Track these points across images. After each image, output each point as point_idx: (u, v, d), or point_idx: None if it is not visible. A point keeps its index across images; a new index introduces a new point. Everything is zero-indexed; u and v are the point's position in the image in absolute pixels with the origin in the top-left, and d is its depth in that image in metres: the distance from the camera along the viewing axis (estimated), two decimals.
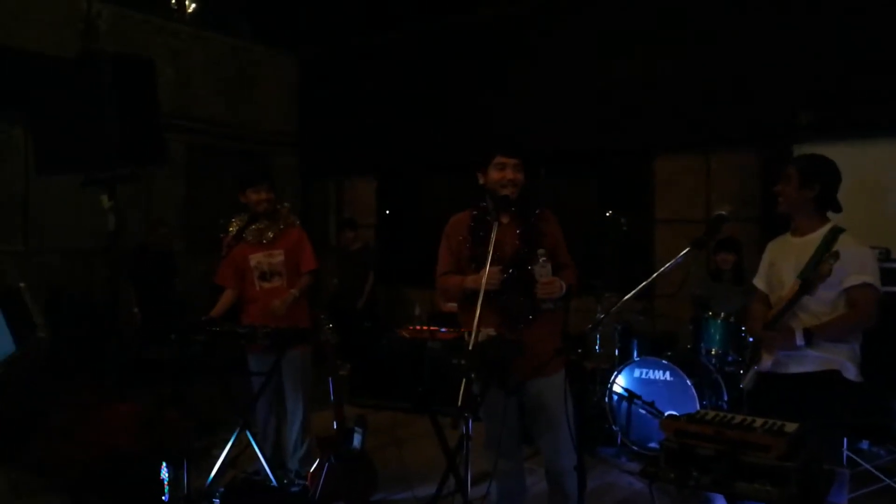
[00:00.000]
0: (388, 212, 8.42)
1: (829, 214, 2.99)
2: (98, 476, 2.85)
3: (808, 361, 2.87)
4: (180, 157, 7.27)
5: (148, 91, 4.67)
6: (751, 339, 3.26)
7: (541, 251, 2.91)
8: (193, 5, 7.67)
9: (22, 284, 1.92)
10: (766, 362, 2.93)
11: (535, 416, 3.09)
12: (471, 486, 3.08)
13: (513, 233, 3.05)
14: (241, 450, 4.02)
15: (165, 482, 3.55)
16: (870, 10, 5.16)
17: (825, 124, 5.37)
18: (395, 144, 7.86)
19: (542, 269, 2.89)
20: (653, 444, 4.62)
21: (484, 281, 2.82)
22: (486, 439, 3.13)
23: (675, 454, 2.38)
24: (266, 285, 4.12)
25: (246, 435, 3.88)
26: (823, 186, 2.91)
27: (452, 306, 6.02)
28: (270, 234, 4.09)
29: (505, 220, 3.04)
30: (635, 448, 4.73)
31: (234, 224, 4.17)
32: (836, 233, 2.90)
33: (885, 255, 4.18)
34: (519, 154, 3.07)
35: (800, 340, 2.83)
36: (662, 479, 2.41)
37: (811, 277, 2.80)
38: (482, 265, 2.89)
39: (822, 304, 2.86)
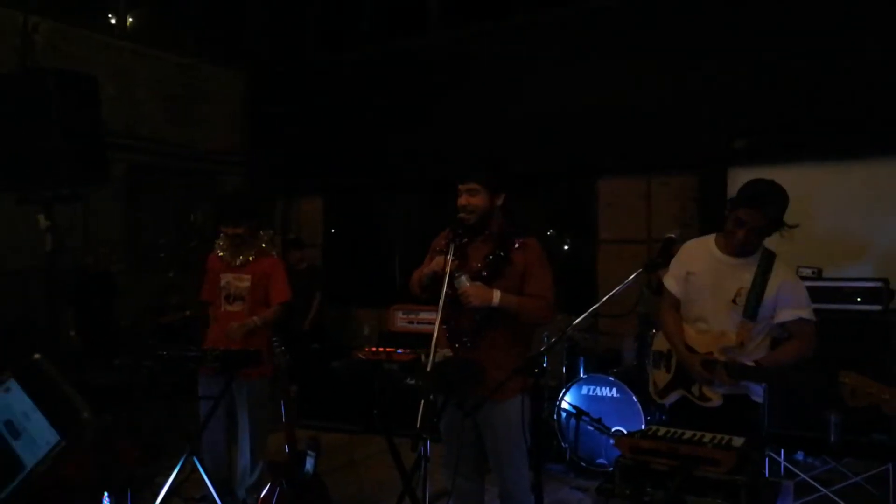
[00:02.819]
0: (334, 231, 8.37)
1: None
2: None
3: (720, 386, 2.86)
4: (122, 176, 7.08)
5: (90, 108, 4.55)
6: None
7: (464, 273, 2.92)
8: (131, 20, 7.51)
9: (37, 356, 1.80)
10: (716, 403, 2.87)
11: (486, 438, 3.09)
12: None
13: (480, 254, 3.08)
14: (186, 477, 3.91)
15: None
16: (802, 42, 5.47)
17: (759, 149, 5.64)
18: (342, 163, 7.85)
19: (459, 282, 2.88)
20: (601, 461, 4.72)
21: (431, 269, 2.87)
22: (445, 459, 3.14)
23: (629, 470, 2.45)
24: (228, 308, 4.11)
25: (192, 461, 3.78)
26: (772, 226, 2.80)
27: (403, 326, 6.06)
28: (241, 258, 4.08)
29: (477, 239, 3.08)
30: (584, 464, 4.82)
31: (219, 245, 4.16)
32: (769, 259, 2.85)
33: (817, 274, 4.41)
34: (470, 179, 3.05)
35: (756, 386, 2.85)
36: (618, 496, 2.47)
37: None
38: (436, 284, 2.91)
39: (756, 342, 2.87)
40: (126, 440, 3.72)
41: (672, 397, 3.06)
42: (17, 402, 1.62)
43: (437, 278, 2.92)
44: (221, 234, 4.15)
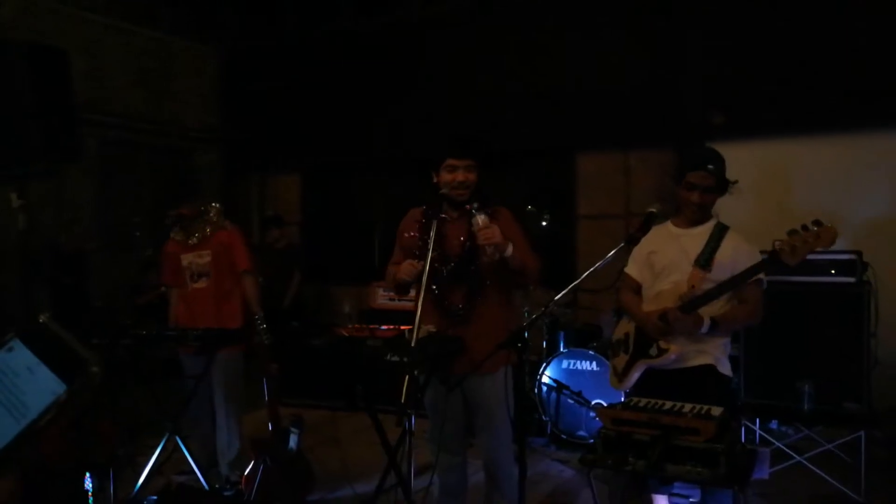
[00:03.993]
0: (312, 209, 8.31)
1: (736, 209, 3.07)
2: (22, 490, 2.71)
3: (688, 357, 2.92)
4: (93, 153, 6.92)
5: (61, 83, 4.45)
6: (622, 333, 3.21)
7: (473, 205, 2.92)
8: None
9: (43, 318, 1.78)
10: (671, 355, 2.92)
11: (473, 412, 3.14)
12: (413, 480, 3.11)
13: (462, 229, 3.08)
14: (168, 456, 3.91)
15: (90, 492, 3.41)
16: (778, 16, 5.50)
17: (735, 124, 5.69)
18: (319, 140, 7.78)
19: (477, 219, 2.88)
20: (582, 433, 4.79)
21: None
22: (429, 433, 3.17)
23: (612, 441, 2.49)
24: (195, 285, 4.13)
25: (174, 440, 3.77)
26: (720, 185, 2.95)
27: (384, 303, 6.07)
28: (197, 236, 4.10)
29: (454, 215, 3.11)
30: (564, 437, 4.89)
31: (174, 231, 4.17)
32: (722, 228, 2.98)
33: None
34: (469, 155, 3.07)
35: (705, 328, 2.85)
36: (601, 465, 2.51)
37: (782, 254, 2.72)
38: (423, 259, 2.93)
39: (714, 302, 2.89)
40: (105, 420, 3.69)
41: (633, 376, 3.06)
42: (21, 359, 1.63)
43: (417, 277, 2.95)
44: (179, 217, 4.14)
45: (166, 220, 4.18)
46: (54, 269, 5.82)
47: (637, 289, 3.16)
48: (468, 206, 2.97)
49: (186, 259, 4.12)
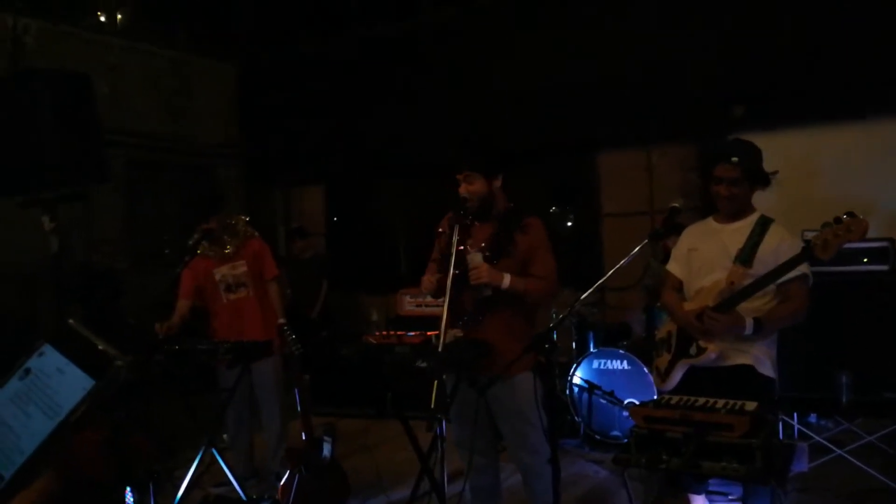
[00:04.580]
0: (336, 218, 8.37)
1: (767, 202, 2.99)
2: (58, 489, 2.76)
3: (727, 356, 2.86)
4: (120, 173, 7.05)
5: (86, 107, 4.54)
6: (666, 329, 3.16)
7: (474, 250, 3.01)
8: (121, 17, 7.45)
9: (71, 321, 1.85)
10: (711, 354, 2.86)
11: (499, 416, 3.14)
12: (447, 485, 3.11)
13: (486, 234, 3.12)
14: (205, 469, 3.96)
15: None
16: (798, 5, 5.43)
17: (757, 115, 5.61)
18: (341, 150, 7.82)
19: (472, 257, 2.96)
20: (615, 433, 4.75)
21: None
22: (457, 438, 3.17)
23: (645, 440, 2.47)
24: (232, 297, 4.22)
25: (211, 453, 3.82)
26: (763, 176, 2.89)
27: (411, 310, 6.08)
28: (231, 248, 4.17)
29: (483, 223, 3.15)
30: (598, 437, 4.85)
31: (203, 246, 4.20)
32: (765, 222, 2.89)
33: None
34: (464, 168, 3.10)
35: (749, 329, 2.76)
36: (634, 465, 2.49)
37: (813, 247, 2.64)
38: (442, 261, 3.03)
39: (759, 295, 2.82)
40: (140, 435, 3.75)
41: (675, 376, 3.01)
42: (52, 361, 1.70)
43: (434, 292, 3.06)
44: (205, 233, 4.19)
45: (195, 235, 4.23)
46: (87, 289, 5.92)
47: (679, 286, 3.11)
48: (462, 248, 2.99)
49: (220, 272, 4.20)
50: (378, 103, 7.51)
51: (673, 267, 3.14)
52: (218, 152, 8.13)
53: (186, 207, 7.50)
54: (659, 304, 5.05)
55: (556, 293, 3.17)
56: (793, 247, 2.80)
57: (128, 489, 3.38)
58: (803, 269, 2.77)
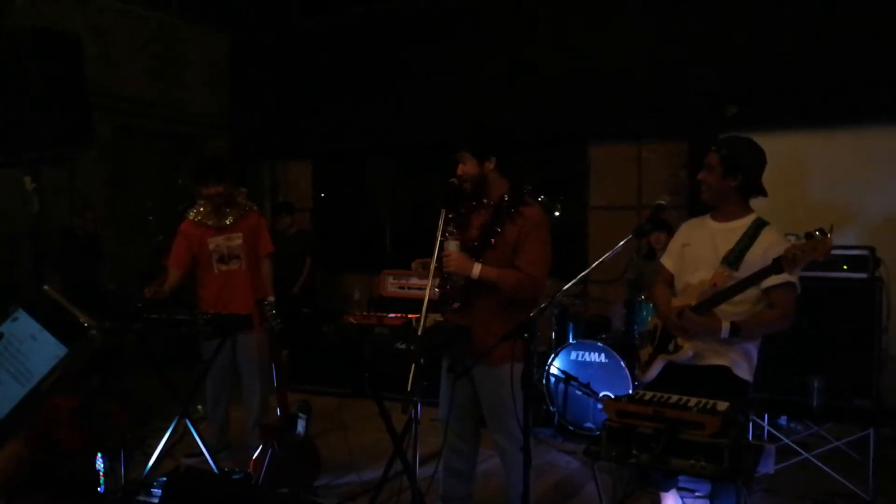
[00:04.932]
0: (323, 195, 8.32)
1: (755, 202, 2.97)
2: (33, 471, 2.75)
3: (704, 356, 2.87)
4: (105, 138, 6.96)
5: (74, 68, 4.47)
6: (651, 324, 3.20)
7: (449, 229, 3.01)
8: None
9: (46, 287, 1.83)
10: (687, 352, 2.87)
11: (484, 401, 3.17)
12: (418, 468, 3.12)
13: (484, 218, 3.11)
14: (178, 438, 3.95)
15: (101, 474, 3.45)
16: (794, 8, 5.44)
17: (750, 115, 5.63)
18: (330, 127, 7.77)
19: (448, 244, 2.96)
20: (588, 424, 4.80)
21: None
22: (440, 413, 3.25)
23: (616, 433, 2.49)
24: (223, 267, 4.20)
25: (184, 423, 3.82)
26: (746, 174, 2.85)
27: (394, 291, 6.08)
28: (229, 220, 4.16)
29: (472, 205, 3.14)
30: (571, 428, 4.90)
31: (194, 213, 4.19)
32: (759, 225, 2.85)
33: None
34: (458, 147, 3.08)
35: (724, 333, 2.75)
36: (605, 458, 2.51)
37: (783, 260, 2.63)
38: (439, 247, 2.99)
39: (741, 298, 2.81)
40: (116, 403, 3.74)
41: (655, 369, 3.03)
42: (25, 327, 1.68)
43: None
44: (201, 198, 4.15)
45: (195, 202, 4.21)
46: (67, 253, 5.86)
47: (671, 280, 3.10)
48: (443, 237, 2.97)
49: (213, 242, 4.18)
50: (370, 82, 7.46)
51: (666, 261, 3.15)
52: (207, 122, 8.04)
53: (182, 178, 7.45)
54: (645, 296, 5.10)
55: (541, 286, 3.11)
56: (780, 252, 2.74)
57: (98, 456, 3.40)
58: (788, 276, 2.73)
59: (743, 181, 2.85)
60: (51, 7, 6.46)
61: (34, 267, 4.85)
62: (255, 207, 4.32)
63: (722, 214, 2.95)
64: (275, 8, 8.05)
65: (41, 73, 4.04)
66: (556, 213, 6.99)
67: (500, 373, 3.01)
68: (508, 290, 3.01)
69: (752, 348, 2.93)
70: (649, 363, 3.07)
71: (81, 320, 1.68)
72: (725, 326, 2.77)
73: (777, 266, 2.64)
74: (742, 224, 2.89)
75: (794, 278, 2.76)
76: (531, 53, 6.61)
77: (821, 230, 2.57)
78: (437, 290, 3.07)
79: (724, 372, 2.86)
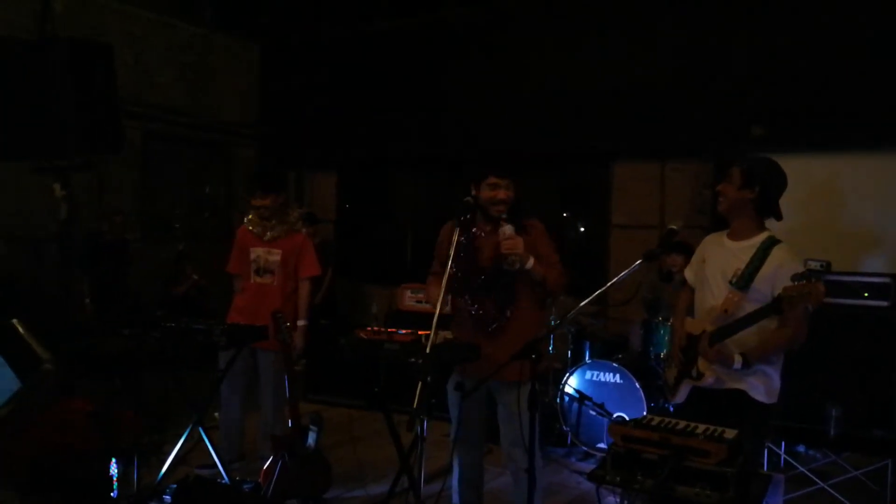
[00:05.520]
0: (348, 206, 8.40)
1: (776, 226, 2.98)
2: (47, 473, 2.81)
3: (724, 381, 2.89)
4: (136, 145, 7.13)
5: (106, 77, 4.58)
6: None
7: (502, 215, 3.17)
8: None
9: (14, 321, 1.89)
10: (709, 379, 2.90)
11: (501, 416, 3.31)
12: (424, 484, 3.13)
13: (493, 243, 3.19)
14: (193, 446, 4.00)
15: (115, 478, 3.51)
16: (822, 30, 5.38)
17: (775, 138, 5.56)
18: (356, 138, 7.85)
19: (504, 230, 3.09)
20: (602, 445, 4.75)
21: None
22: (452, 433, 3.36)
23: (621, 458, 2.47)
24: (258, 280, 4.24)
25: (198, 431, 3.86)
26: (763, 189, 2.86)
27: (412, 305, 6.10)
28: (271, 234, 4.20)
29: (487, 229, 3.26)
30: (585, 448, 4.85)
31: (248, 219, 4.29)
32: (771, 243, 2.85)
33: (826, 268, 4.36)
34: (512, 175, 3.22)
35: (737, 365, 2.79)
36: (609, 482, 2.50)
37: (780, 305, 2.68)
38: (460, 271, 3.18)
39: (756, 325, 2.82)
40: (131, 408, 3.79)
41: (682, 392, 3.06)
42: None
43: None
44: (251, 208, 4.25)
45: (249, 211, 4.30)
46: (95, 258, 5.98)
47: (691, 296, 3.15)
48: (498, 216, 3.15)
49: (255, 252, 4.23)
50: (398, 94, 7.52)
51: (688, 273, 3.21)
52: (236, 131, 8.18)
53: (199, 183, 7.58)
54: (662, 318, 5.05)
55: (564, 284, 3.31)
56: (791, 271, 2.72)
57: (113, 460, 3.45)
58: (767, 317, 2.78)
59: (759, 196, 2.86)
60: (87, 15, 6.65)
61: (61, 272, 4.97)
62: (304, 230, 4.34)
63: (736, 232, 2.96)
64: (305, 18, 8.18)
65: (75, 83, 4.15)
66: (581, 229, 6.97)
67: (519, 387, 3.10)
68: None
69: (772, 371, 2.91)
70: (676, 386, 3.10)
71: (40, 354, 1.72)
72: (738, 360, 2.79)
73: (777, 306, 2.68)
74: (753, 243, 2.88)
75: None
76: (558, 70, 6.62)
77: (812, 271, 2.60)
78: (472, 311, 3.24)
79: (742, 396, 2.87)
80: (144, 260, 6.83)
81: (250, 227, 4.25)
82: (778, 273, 2.77)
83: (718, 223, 3.14)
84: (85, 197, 6.49)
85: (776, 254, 2.82)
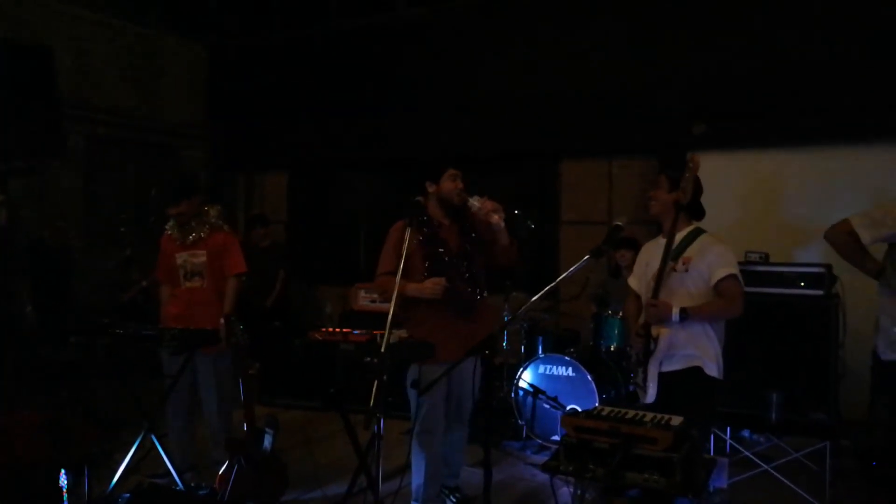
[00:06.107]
0: (299, 208, 8.33)
1: (715, 218, 3.38)
2: None
3: (676, 361, 3.20)
4: (79, 149, 6.93)
5: (46, 80, 4.47)
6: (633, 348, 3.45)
7: (463, 193, 3.54)
8: None
9: None
10: (664, 338, 3.19)
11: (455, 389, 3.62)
12: (382, 482, 3.16)
13: (455, 232, 3.59)
14: (145, 454, 3.93)
15: (64, 489, 3.44)
16: (760, 30, 5.58)
17: (716, 135, 5.76)
18: (306, 139, 7.79)
19: (472, 201, 3.46)
20: (556, 438, 4.84)
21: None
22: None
23: (574, 448, 2.55)
24: (188, 284, 4.18)
25: (150, 439, 3.80)
26: (670, 186, 3.27)
27: (365, 305, 6.11)
28: (194, 236, 4.14)
29: (447, 222, 3.61)
30: (539, 441, 4.94)
31: (169, 226, 4.22)
32: (697, 233, 3.26)
33: (764, 259, 4.55)
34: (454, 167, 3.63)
35: (675, 316, 3.11)
36: (562, 472, 2.57)
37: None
38: (434, 262, 3.47)
39: (695, 297, 3.18)
40: (81, 417, 3.72)
41: (651, 388, 3.25)
42: None
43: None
44: (171, 216, 4.18)
45: (166, 216, 4.23)
46: (37, 265, 5.81)
47: (639, 300, 3.42)
48: (463, 199, 3.50)
49: (181, 257, 4.16)
50: (347, 96, 7.50)
51: (632, 281, 3.52)
52: (183, 133, 8.03)
53: (146, 187, 7.42)
54: (612, 311, 5.18)
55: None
56: (720, 251, 3.20)
57: (62, 472, 3.38)
58: (732, 269, 3.16)
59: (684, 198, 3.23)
60: (27, 16, 6.44)
61: (2, 279, 4.83)
62: (226, 227, 4.24)
63: (667, 231, 3.27)
64: (254, 19, 8.09)
65: (12, 85, 4.05)
66: (532, 227, 7.07)
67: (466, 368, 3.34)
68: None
69: (717, 344, 3.23)
70: (645, 381, 3.29)
71: None
72: (675, 312, 3.11)
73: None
74: (683, 233, 3.28)
75: (734, 270, 3.17)
76: (504, 71, 6.69)
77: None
78: (455, 297, 3.51)
79: (698, 373, 3.19)
80: (90, 266, 6.66)
81: (171, 233, 4.19)
82: (703, 248, 3.21)
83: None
84: (26, 203, 6.28)
85: (703, 237, 3.27)
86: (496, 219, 3.44)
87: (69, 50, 6.75)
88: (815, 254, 5.04)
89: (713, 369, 3.19)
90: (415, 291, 3.41)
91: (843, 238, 3.16)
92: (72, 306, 5.97)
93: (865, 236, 3.04)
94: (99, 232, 7.18)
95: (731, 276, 3.16)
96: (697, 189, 3.29)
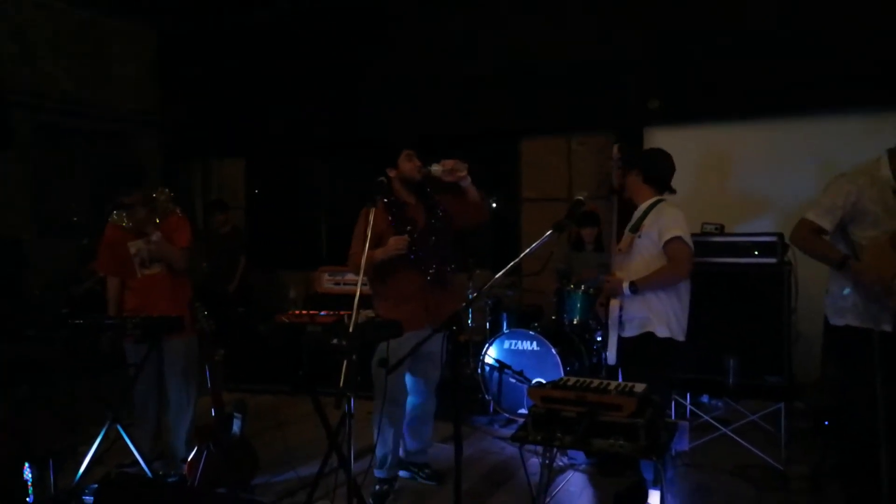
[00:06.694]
0: (257, 192, 8.23)
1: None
2: None
3: (631, 327, 3.42)
4: (26, 138, 6.72)
5: None
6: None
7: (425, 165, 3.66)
8: None
9: None
10: (615, 307, 3.41)
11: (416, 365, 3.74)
12: (353, 461, 3.18)
13: (421, 210, 3.72)
14: (109, 445, 3.88)
15: (29, 483, 3.39)
16: (713, 6, 5.67)
17: (671, 111, 5.87)
18: (263, 123, 7.69)
19: (433, 167, 3.59)
20: (523, 410, 4.93)
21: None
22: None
23: (542, 418, 2.61)
24: (146, 272, 4.07)
25: (116, 429, 3.75)
26: (641, 170, 3.52)
27: (329, 287, 6.09)
28: (148, 223, 4.01)
29: (412, 200, 3.73)
30: (507, 415, 5.03)
31: (116, 216, 4.05)
32: (657, 202, 3.46)
33: (719, 230, 4.67)
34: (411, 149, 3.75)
35: (626, 291, 3.34)
36: (531, 442, 2.64)
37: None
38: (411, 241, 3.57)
39: (648, 261, 3.37)
40: (44, 411, 3.65)
41: (612, 350, 3.46)
42: None
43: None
44: (121, 206, 4.06)
45: (112, 208, 4.09)
46: None
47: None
48: (424, 173, 3.64)
49: (134, 246, 4.04)
50: (303, 78, 7.41)
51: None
52: (134, 120, 7.84)
53: (97, 176, 7.23)
54: (574, 285, 5.27)
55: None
56: (671, 217, 3.37)
57: (26, 465, 3.33)
58: (678, 231, 3.31)
59: (642, 174, 3.52)
60: None
61: None
62: (177, 209, 4.14)
63: (635, 203, 3.55)
64: (205, 1, 7.89)
65: None
66: (494, 205, 7.12)
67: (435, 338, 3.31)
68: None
69: (666, 308, 3.37)
70: (606, 344, 3.53)
71: None
72: (626, 286, 3.34)
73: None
74: (646, 205, 3.49)
75: (681, 232, 3.32)
76: (464, 52, 6.69)
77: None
78: (427, 269, 3.65)
79: (650, 337, 3.37)
80: (42, 258, 6.49)
81: (121, 223, 4.04)
82: (657, 218, 3.38)
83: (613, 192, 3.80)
84: None
85: (660, 206, 3.45)
86: (461, 174, 3.59)
87: (12, 35, 6.52)
88: (768, 224, 5.20)
89: (664, 331, 3.36)
90: (382, 253, 3.54)
91: (809, 235, 3.06)
92: (26, 299, 5.83)
93: (827, 224, 3.05)
94: (50, 223, 7.00)
95: (677, 238, 3.32)
96: (664, 166, 3.51)
